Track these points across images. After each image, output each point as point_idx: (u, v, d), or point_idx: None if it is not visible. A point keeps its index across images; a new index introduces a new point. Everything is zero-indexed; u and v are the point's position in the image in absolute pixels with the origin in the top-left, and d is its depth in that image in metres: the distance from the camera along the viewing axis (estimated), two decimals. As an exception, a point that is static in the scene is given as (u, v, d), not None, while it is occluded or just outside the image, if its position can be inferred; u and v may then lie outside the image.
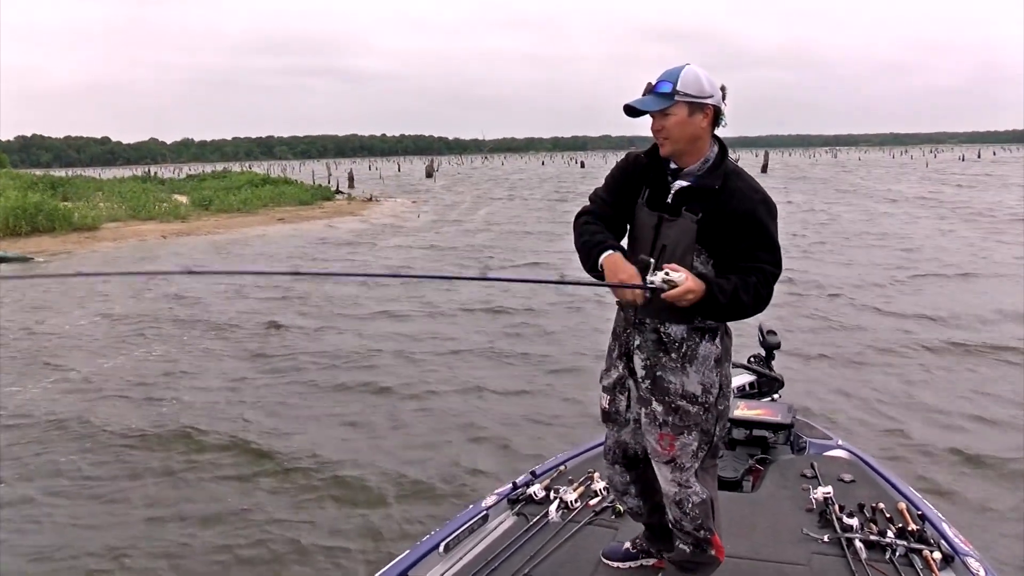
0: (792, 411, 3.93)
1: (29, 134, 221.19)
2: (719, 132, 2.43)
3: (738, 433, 3.84)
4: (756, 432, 3.83)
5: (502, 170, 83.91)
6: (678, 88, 2.29)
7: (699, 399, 2.44)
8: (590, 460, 3.61)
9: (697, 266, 2.35)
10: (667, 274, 2.24)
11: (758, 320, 4.65)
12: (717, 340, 2.46)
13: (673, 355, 2.44)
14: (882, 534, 2.87)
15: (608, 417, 2.68)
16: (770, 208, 2.36)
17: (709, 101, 2.32)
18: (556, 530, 3.05)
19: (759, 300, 2.32)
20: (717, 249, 2.35)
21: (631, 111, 2.34)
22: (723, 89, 2.37)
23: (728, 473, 3.53)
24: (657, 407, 2.47)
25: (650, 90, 2.34)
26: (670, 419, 2.45)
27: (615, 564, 2.84)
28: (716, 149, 2.40)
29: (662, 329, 2.43)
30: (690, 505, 2.51)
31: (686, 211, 2.36)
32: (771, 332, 4.40)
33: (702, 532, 2.54)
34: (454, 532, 3.01)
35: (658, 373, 2.46)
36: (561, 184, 49.40)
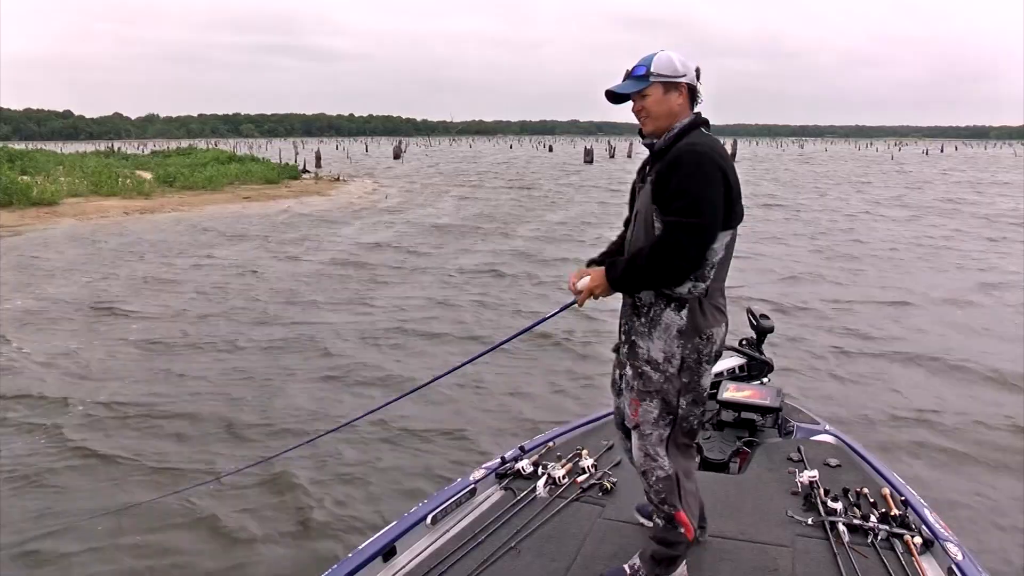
0: (781, 395, 3.95)
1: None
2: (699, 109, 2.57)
3: (726, 415, 3.86)
4: (744, 414, 3.85)
5: (470, 152, 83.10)
6: (652, 70, 2.47)
7: (660, 366, 2.50)
8: (579, 437, 3.63)
9: (659, 225, 2.43)
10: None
11: (750, 303, 4.65)
12: (684, 312, 2.47)
13: (643, 319, 2.54)
14: (865, 518, 2.91)
15: (612, 384, 2.80)
16: (698, 157, 2.38)
17: (683, 80, 2.49)
18: (543, 505, 3.06)
19: (659, 259, 2.37)
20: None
21: (613, 97, 2.53)
22: (697, 70, 2.54)
23: (715, 454, 3.56)
24: (628, 371, 2.58)
25: (627, 76, 2.53)
26: (635, 384, 2.55)
27: (648, 523, 2.81)
28: (686, 121, 2.49)
29: (636, 294, 2.54)
30: (654, 478, 2.56)
31: (647, 175, 2.52)
32: (764, 316, 4.41)
33: (665, 507, 2.58)
34: (441, 505, 3.01)
35: (632, 337, 2.56)
36: (528, 168, 49.01)
